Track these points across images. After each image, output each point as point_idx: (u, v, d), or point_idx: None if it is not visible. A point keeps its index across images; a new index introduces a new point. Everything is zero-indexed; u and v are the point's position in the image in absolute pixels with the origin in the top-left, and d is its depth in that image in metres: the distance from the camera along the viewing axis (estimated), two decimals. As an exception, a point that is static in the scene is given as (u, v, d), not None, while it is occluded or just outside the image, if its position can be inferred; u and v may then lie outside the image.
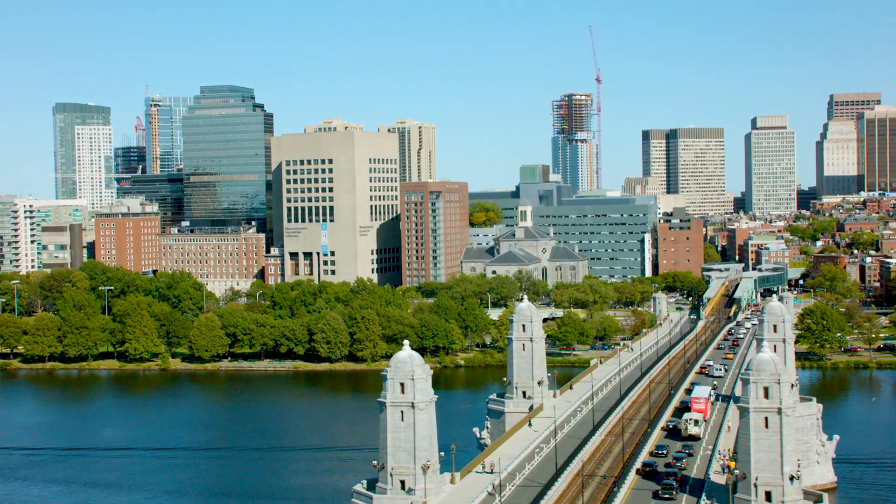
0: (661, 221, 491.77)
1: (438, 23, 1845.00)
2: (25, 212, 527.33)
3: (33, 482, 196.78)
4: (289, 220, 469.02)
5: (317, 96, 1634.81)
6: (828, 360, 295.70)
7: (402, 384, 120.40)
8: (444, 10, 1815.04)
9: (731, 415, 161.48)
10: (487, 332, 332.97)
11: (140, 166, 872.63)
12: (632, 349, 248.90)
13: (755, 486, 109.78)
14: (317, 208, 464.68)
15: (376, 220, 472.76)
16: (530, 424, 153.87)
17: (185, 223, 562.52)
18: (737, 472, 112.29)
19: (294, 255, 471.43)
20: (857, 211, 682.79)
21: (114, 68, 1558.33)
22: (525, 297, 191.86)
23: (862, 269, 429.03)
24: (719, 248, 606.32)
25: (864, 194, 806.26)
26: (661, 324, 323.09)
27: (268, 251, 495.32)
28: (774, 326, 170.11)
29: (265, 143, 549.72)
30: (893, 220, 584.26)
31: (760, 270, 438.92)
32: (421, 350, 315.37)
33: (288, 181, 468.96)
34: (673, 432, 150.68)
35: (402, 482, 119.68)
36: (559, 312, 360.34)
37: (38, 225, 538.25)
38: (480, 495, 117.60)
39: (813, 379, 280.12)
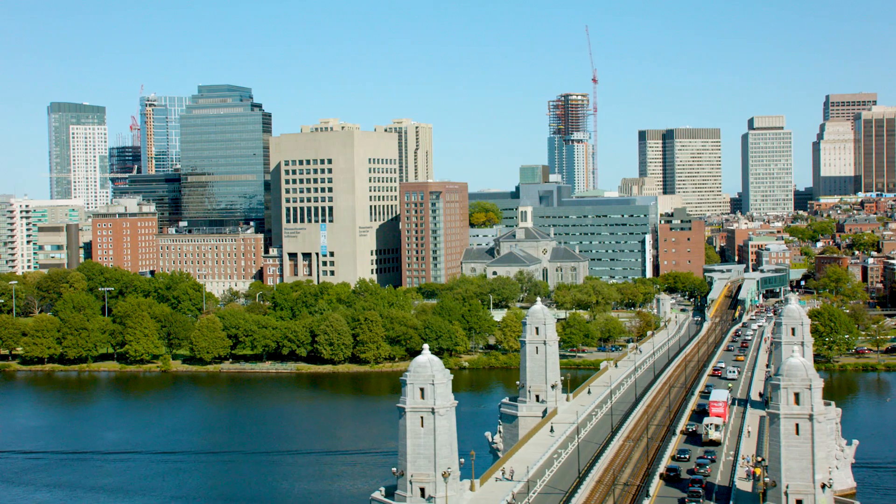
0: (662, 222, 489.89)
1: (435, 23, 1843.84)
2: (21, 212, 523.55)
3: (37, 487, 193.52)
4: (288, 221, 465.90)
5: (313, 96, 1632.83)
6: (835, 362, 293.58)
7: (421, 389, 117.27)
8: (440, 11, 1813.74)
9: (749, 419, 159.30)
10: (491, 334, 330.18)
11: (135, 166, 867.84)
12: (640, 351, 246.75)
13: (786, 494, 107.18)
14: (316, 209, 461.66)
15: (376, 220, 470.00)
16: (552, 430, 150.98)
17: (183, 223, 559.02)
18: (767, 479, 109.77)
19: (293, 256, 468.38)
20: (856, 212, 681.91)
21: (109, 68, 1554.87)
22: (539, 299, 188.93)
23: (864, 271, 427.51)
24: (718, 249, 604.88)
25: (861, 195, 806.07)
26: (665, 325, 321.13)
27: (266, 252, 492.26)
28: (793, 329, 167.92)
29: (263, 143, 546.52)
30: (893, 220, 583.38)
31: (762, 272, 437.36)
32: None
33: (287, 181, 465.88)
34: (692, 436, 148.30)
35: (422, 490, 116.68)
36: (561, 314, 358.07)
37: (35, 225, 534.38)
38: (501, 503, 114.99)
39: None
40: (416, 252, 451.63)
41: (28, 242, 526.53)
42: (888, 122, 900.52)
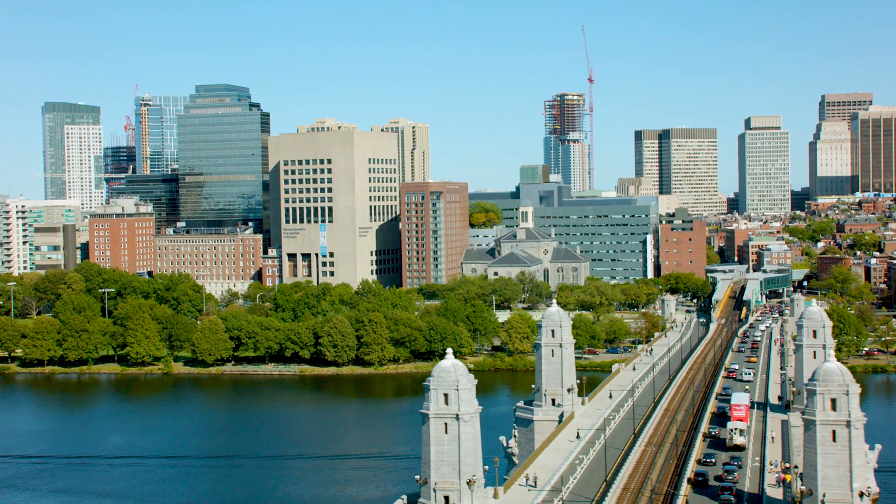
0: (663, 222, 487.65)
1: (431, 23, 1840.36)
2: (17, 212, 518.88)
3: (42, 492, 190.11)
4: (287, 221, 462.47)
5: (309, 96, 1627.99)
6: (844, 363, 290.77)
7: (445, 395, 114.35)
8: (436, 11, 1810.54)
9: (771, 423, 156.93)
10: (496, 336, 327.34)
11: (130, 166, 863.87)
12: (650, 352, 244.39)
13: (822, 503, 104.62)
14: (315, 209, 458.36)
15: (376, 220, 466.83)
16: (578, 436, 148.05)
17: (181, 224, 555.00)
18: (802, 487, 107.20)
19: (292, 257, 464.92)
20: (854, 212, 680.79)
21: (104, 67, 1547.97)
22: (554, 301, 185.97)
23: (867, 271, 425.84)
24: (717, 249, 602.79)
25: (858, 195, 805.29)
26: (671, 326, 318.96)
27: (265, 252, 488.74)
28: (814, 332, 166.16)
29: (262, 143, 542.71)
30: (893, 220, 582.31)
31: (765, 272, 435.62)
32: (429, 354, 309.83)
33: (286, 181, 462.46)
34: (714, 440, 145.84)
35: (447, 498, 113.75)
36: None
37: (31, 226, 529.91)
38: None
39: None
40: (417, 253, 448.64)
41: (24, 243, 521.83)
42: (885, 122, 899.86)
